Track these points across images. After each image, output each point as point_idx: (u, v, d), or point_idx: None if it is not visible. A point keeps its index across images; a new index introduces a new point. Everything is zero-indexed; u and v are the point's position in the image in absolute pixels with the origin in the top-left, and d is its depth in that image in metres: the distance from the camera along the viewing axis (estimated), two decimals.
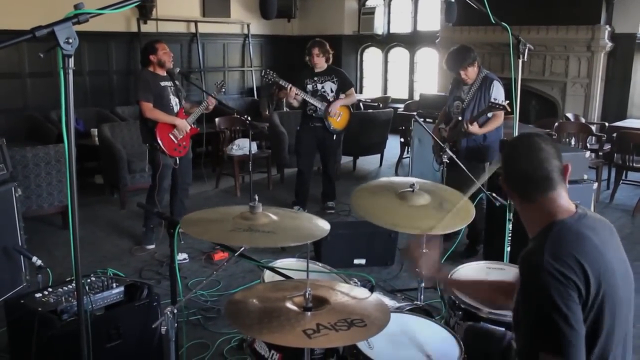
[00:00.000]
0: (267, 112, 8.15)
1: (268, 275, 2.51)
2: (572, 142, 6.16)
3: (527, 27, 7.59)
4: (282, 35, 10.43)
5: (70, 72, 1.52)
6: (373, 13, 10.01)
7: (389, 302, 2.43)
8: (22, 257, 3.61)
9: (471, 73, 4.24)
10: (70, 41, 1.49)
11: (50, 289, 2.66)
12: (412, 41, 10.09)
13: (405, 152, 7.28)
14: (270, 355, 2.19)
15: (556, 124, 6.48)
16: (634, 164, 5.82)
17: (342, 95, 5.27)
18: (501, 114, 4.13)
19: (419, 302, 2.70)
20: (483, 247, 4.33)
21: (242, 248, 2.16)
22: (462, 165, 3.63)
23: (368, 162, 7.79)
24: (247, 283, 3.90)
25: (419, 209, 2.32)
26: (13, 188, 3.66)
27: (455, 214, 2.28)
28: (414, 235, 2.28)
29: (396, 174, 7.15)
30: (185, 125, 4.49)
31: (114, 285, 2.71)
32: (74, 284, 2.61)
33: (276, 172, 6.86)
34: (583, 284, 1.45)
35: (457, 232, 3.98)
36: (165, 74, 4.48)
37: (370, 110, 7.96)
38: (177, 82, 4.62)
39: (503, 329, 2.23)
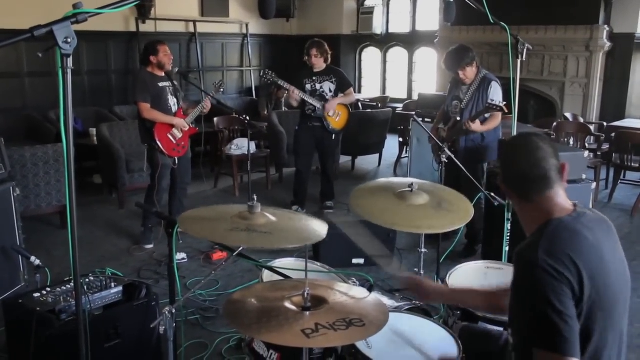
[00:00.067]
0: (265, 112, 8.14)
1: (267, 275, 2.51)
2: (571, 141, 6.17)
3: (525, 27, 7.59)
4: (281, 35, 10.43)
5: (69, 71, 1.52)
6: (372, 13, 10.02)
7: (388, 301, 2.43)
8: (20, 256, 3.61)
9: (470, 73, 4.24)
10: (69, 41, 1.49)
11: (48, 289, 2.66)
12: (410, 41, 10.09)
13: (404, 152, 7.28)
14: (269, 355, 2.19)
15: (555, 123, 6.48)
16: (633, 164, 5.82)
17: (340, 95, 5.27)
18: (499, 114, 4.13)
19: (417, 302, 2.70)
20: (481, 246, 4.33)
21: (241, 248, 2.16)
22: (461, 166, 3.63)
23: (367, 161, 7.79)
24: (246, 283, 3.90)
25: (418, 209, 2.33)
26: (11, 188, 3.65)
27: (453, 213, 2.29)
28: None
29: (395, 174, 7.15)
30: (183, 123, 4.49)
31: (113, 285, 2.71)
32: (72, 284, 2.60)
33: (275, 171, 6.85)
34: (577, 282, 1.46)
35: (456, 231, 3.99)
36: (163, 75, 4.49)
37: (369, 110, 7.96)
38: (175, 83, 4.63)
39: (501, 328, 2.24)
